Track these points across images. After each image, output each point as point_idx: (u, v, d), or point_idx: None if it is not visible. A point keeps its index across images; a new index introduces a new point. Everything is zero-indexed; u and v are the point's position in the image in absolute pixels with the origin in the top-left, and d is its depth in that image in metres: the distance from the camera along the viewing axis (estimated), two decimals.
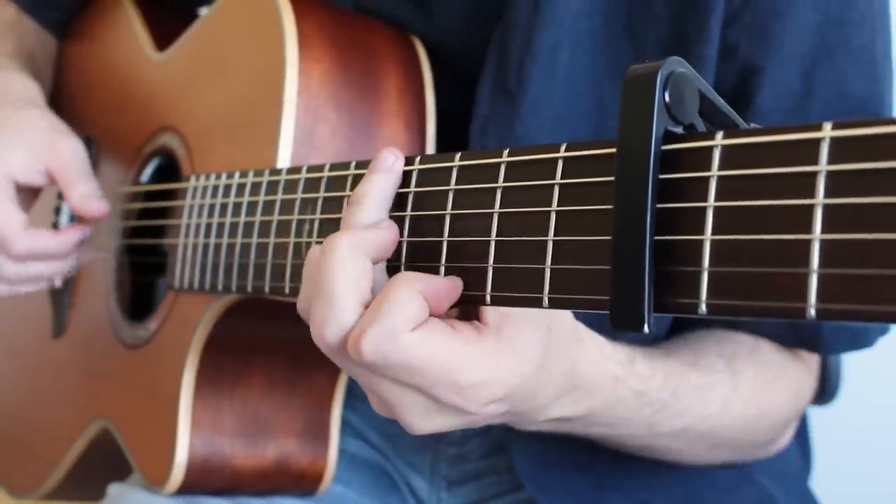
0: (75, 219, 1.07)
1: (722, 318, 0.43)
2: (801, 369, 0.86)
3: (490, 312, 0.56)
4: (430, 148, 0.84)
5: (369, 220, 0.57)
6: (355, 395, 0.99)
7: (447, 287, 0.55)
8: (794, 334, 0.85)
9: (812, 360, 0.88)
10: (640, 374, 0.70)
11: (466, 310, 0.57)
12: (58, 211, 1.08)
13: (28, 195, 0.99)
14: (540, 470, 0.86)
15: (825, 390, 0.93)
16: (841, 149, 0.38)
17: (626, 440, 0.79)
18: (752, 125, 0.46)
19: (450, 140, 0.85)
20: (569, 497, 0.86)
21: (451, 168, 0.56)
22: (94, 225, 1.04)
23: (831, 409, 0.96)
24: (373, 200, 0.58)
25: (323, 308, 0.55)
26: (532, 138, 0.81)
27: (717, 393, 0.77)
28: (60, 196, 1.09)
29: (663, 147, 0.44)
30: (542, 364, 0.58)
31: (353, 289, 0.54)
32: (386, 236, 0.57)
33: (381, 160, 0.59)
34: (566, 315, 0.62)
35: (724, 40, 0.79)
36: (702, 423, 0.77)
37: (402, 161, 0.59)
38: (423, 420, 0.58)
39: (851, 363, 0.90)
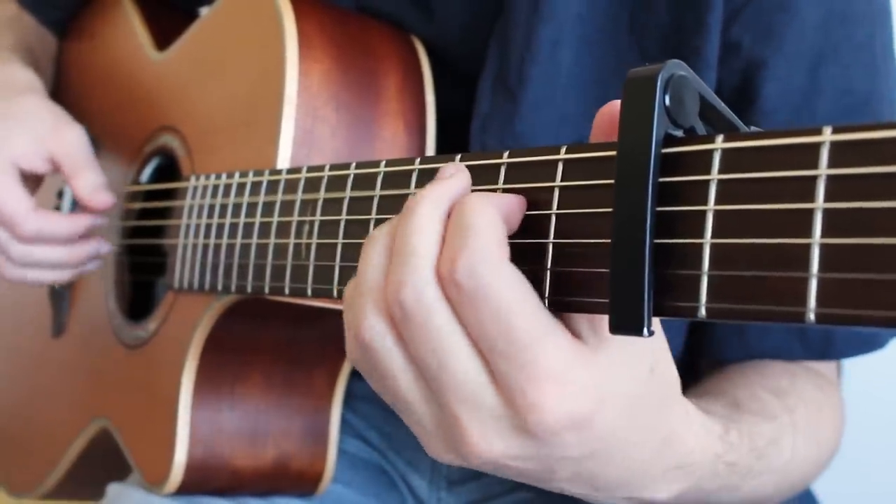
0: (78, 209, 1.07)
1: (721, 321, 0.43)
2: (833, 391, 0.84)
3: (579, 321, 0.49)
4: (431, 147, 0.84)
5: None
6: (355, 395, 0.99)
7: (519, 205, 0.49)
8: (806, 346, 0.83)
9: (836, 378, 0.87)
10: (733, 444, 0.63)
11: None
12: (60, 195, 1.08)
13: (31, 184, 0.99)
14: None
15: None
16: (841, 153, 0.38)
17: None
18: (753, 128, 0.46)
19: (450, 139, 0.85)
20: (568, 497, 0.86)
21: None
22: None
23: None
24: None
25: (458, 240, 0.47)
26: (533, 136, 0.81)
27: (785, 441, 0.72)
28: (60, 195, 1.08)
29: (663, 150, 0.44)
30: (634, 405, 0.50)
31: (495, 228, 0.47)
32: (513, 199, 0.50)
33: (443, 171, 0.52)
34: (672, 367, 0.53)
35: (727, 38, 0.78)
36: (773, 475, 0.71)
37: (466, 174, 0.52)
38: (484, 430, 0.48)
39: (851, 362, 0.90)
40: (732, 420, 0.65)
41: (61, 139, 0.96)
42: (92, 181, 0.95)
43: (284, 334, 0.86)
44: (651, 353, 0.51)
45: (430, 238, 0.48)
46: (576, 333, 0.48)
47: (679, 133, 0.45)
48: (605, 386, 0.48)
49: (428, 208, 0.49)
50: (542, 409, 0.46)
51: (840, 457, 0.84)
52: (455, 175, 0.51)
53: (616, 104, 0.48)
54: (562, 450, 0.48)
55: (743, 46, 0.78)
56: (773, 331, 0.82)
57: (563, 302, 0.48)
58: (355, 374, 0.94)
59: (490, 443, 0.48)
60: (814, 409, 0.78)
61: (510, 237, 0.51)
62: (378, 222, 0.59)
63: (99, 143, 1.07)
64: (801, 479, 0.78)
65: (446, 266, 0.46)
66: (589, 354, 0.47)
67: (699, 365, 0.87)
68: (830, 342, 0.83)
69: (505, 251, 0.47)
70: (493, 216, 0.47)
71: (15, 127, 0.96)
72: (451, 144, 0.85)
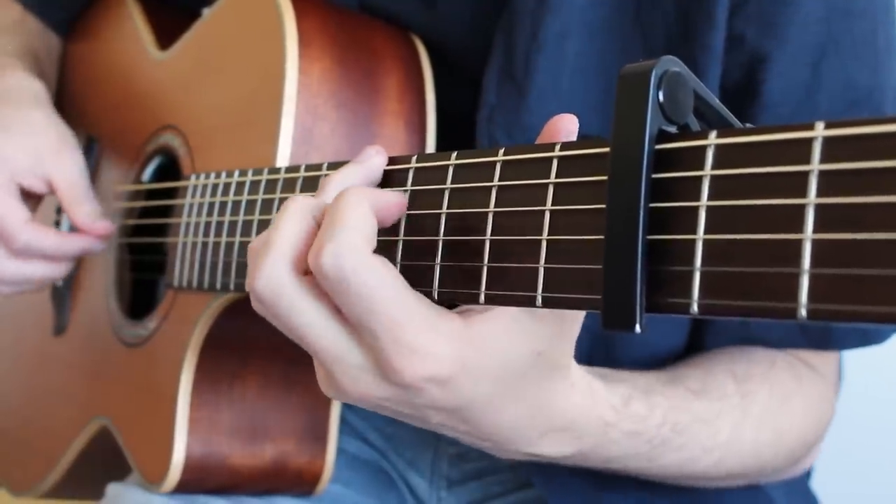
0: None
1: (713, 318, 0.43)
2: (819, 384, 0.85)
3: (476, 307, 0.55)
4: (431, 146, 0.84)
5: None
6: None
7: (395, 201, 0.55)
8: (803, 335, 0.83)
9: (829, 372, 0.87)
10: (635, 415, 0.69)
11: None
12: (59, 210, 1.08)
13: (31, 200, 0.98)
14: (543, 466, 0.86)
15: None
16: (833, 148, 0.38)
17: (625, 471, 0.77)
18: (747, 124, 0.46)
19: (457, 134, 0.85)
20: (570, 494, 0.86)
21: (446, 167, 0.56)
22: None
23: None
24: (332, 185, 0.58)
25: (329, 231, 0.53)
26: (540, 127, 0.80)
27: (725, 421, 0.75)
28: (59, 211, 1.08)
29: (657, 146, 0.44)
30: (509, 377, 0.56)
31: (364, 223, 0.52)
32: (391, 196, 0.56)
33: (362, 154, 0.60)
34: (565, 351, 0.59)
35: (731, 29, 0.78)
36: (708, 454, 0.75)
37: (382, 157, 0.60)
38: (353, 380, 0.55)
39: (851, 362, 0.90)
40: (649, 393, 0.71)
41: (60, 164, 0.96)
42: (90, 210, 0.95)
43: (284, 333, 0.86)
44: (539, 344, 0.56)
45: (293, 228, 0.55)
46: (462, 310, 0.55)
47: (673, 129, 0.45)
48: (471, 359, 0.54)
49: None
50: (403, 374, 0.53)
51: (840, 457, 0.83)
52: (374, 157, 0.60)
53: (562, 122, 0.53)
54: (426, 399, 0.55)
55: (746, 40, 0.78)
56: (775, 324, 0.82)
57: (557, 298, 0.48)
58: None
59: (359, 388, 0.55)
60: (779, 397, 0.80)
61: (505, 234, 0.51)
62: None
63: (102, 142, 1.08)
64: (757, 462, 0.80)
65: (313, 255, 0.52)
66: (457, 331, 0.54)
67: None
68: (829, 332, 0.83)
69: (370, 244, 0.52)
70: (363, 212, 0.52)
71: (18, 141, 0.96)
72: (456, 140, 0.84)
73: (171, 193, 0.90)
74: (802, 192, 0.38)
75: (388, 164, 0.60)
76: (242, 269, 0.73)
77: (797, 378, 0.82)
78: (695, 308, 0.42)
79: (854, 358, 0.87)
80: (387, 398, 0.56)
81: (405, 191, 0.58)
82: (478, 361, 0.55)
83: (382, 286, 0.52)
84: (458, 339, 0.54)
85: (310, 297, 0.54)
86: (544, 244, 0.49)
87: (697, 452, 0.74)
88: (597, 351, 0.81)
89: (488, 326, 0.54)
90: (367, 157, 0.60)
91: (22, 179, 0.95)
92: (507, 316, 0.55)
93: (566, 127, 0.53)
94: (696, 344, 0.86)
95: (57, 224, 1.07)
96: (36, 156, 0.96)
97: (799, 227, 0.38)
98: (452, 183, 0.55)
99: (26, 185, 0.96)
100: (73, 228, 1.03)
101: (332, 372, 0.56)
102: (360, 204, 0.53)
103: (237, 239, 0.74)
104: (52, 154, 0.96)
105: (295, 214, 0.55)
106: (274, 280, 0.54)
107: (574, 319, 0.57)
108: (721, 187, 0.42)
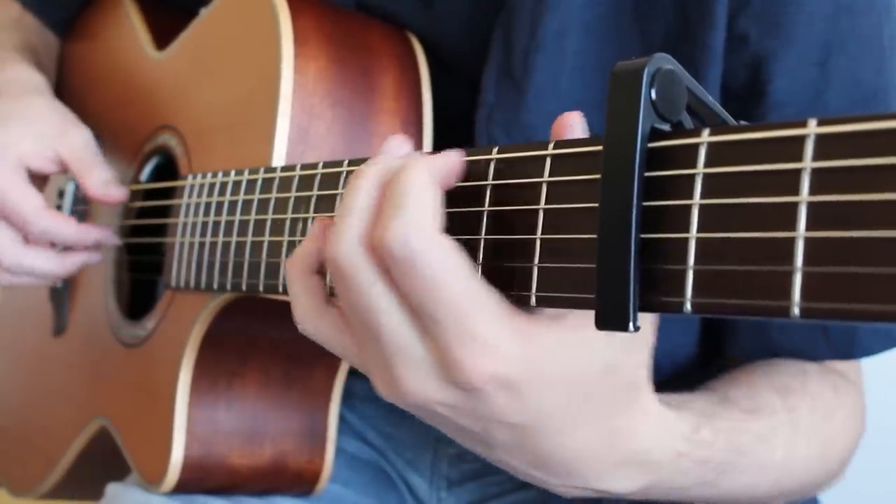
0: (76, 212, 1.08)
1: (707, 316, 0.43)
2: (852, 392, 0.83)
3: (545, 311, 0.51)
4: (428, 145, 0.84)
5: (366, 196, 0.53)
6: (354, 394, 0.98)
7: (454, 163, 0.52)
8: (830, 345, 0.81)
9: (856, 378, 0.85)
10: (704, 442, 0.64)
11: None
12: (61, 195, 1.08)
13: (37, 183, 0.99)
14: None
15: None
16: (826, 145, 0.38)
17: (682, 499, 0.72)
18: (742, 122, 0.46)
19: (454, 134, 0.84)
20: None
21: None
22: (95, 223, 1.04)
23: None
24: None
25: (392, 209, 0.50)
26: (539, 126, 0.80)
27: (779, 438, 0.72)
28: (61, 195, 1.09)
29: (649, 144, 0.44)
30: (577, 393, 0.53)
31: (430, 198, 0.49)
32: (450, 158, 0.52)
33: (388, 144, 0.56)
34: (638, 367, 0.56)
35: (734, 29, 0.77)
36: (766, 474, 0.72)
37: (408, 147, 0.56)
38: (414, 376, 0.51)
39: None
40: (712, 417, 0.66)
41: (68, 140, 0.97)
42: (103, 177, 0.96)
43: (282, 332, 0.85)
44: (611, 355, 0.53)
45: (364, 201, 0.52)
46: (531, 311, 0.51)
47: (666, 127, 0.45)
48: (540, 363, 0.51)
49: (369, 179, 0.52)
50: (464, 367, 0.49)
51: None
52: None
53: (566, 117, 0.51)
54: (490, 407, 0.51)
55: (750, 39, 0.77)
56: (795, 330, 0.81)
57: (551, 297, 0.48)
58: (354, 373, 0.94)
59: (419, 388, 0.52)
60: (821, 408, 0.78)
61: (499, 233, 0.51)
62: None
63: (100, 141, 1.08)
64: (808, 478, 0.77)
65: (379, 232, 0.49)
66: (526, 330, 0.50)
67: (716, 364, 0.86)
68: (855, 340, 0.81)
69: (437, 221, 0.49)
70: (427, 185, 0.49)
71: (23, 127, 0.96)
72: (455, 140, 0.84)
73: (169, 193, 0.90)
74: (795, 190, 0.38)
75: None
76: (239, 268, 0.73)
77: (833, 388, 0.80)
78: (688, 307, 0.41)
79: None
80: (450, 404, 0.52)
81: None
82: (545, 368, 0.51)
83: (449, 268, 0.49)
84: (523, 338, 0.50)
85: (381, 280, 0.51)
86: (538, 243, 0.49)
87: (757, 473, 0.71)
88: None
89: (556, 332, 0.51)
90: (394, 146, 0.56)
91: (30, 162, 0.95)
92: (574, 323, 0.51)
93: (568, 123, 0.51)
94: (715, 353, 0.84)
95: (59, 208, 1.08)
96: (41, 140, 0.96)
97: (792, 225, 0.38)
98: None
99: (35, 168, 0.96)
100: (76, 210, 1.04)
101: (392, 366, 0.52)
102: (421, 175, 0.50)
103: (234, 239, 0.74)
104: (58, 135, 0.97)
105: (367, 183, 0.52)
106: (353, 253, 0.51)
107: (643, 330, 0.52)
108: (714, 185, 0.41)
